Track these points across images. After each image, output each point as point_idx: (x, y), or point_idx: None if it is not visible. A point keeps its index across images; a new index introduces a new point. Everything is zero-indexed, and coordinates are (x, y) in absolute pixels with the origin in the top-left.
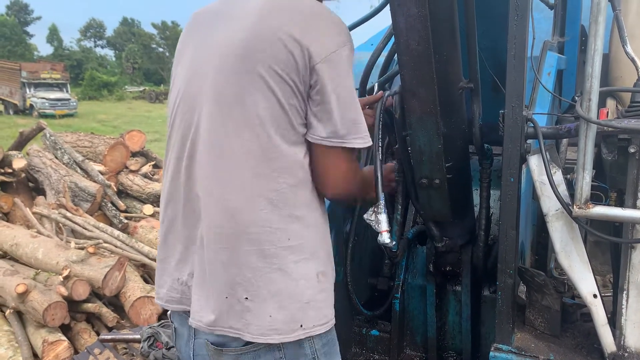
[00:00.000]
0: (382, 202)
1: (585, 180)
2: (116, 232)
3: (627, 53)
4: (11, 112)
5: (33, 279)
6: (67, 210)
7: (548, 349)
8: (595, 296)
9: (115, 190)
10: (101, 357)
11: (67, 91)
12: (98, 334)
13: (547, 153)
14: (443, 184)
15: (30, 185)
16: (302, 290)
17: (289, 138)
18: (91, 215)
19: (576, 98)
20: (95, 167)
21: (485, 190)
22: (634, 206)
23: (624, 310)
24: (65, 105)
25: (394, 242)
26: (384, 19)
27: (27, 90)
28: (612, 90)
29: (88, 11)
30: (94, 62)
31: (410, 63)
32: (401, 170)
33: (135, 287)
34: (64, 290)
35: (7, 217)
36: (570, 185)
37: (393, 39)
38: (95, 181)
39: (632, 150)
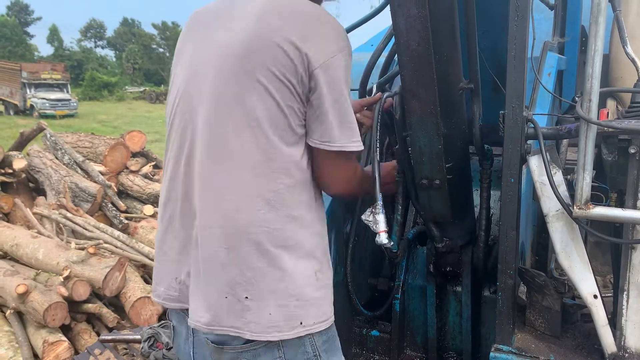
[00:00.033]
0: (379, 202)
1: (585, 181)
2: (116, 233)
3: (627, 54)
4: (11, 112)
5: (33, 279)
6: (67, 210)
7: (548, 350)
8: (595, 297)
9: (116, 190)
10: (101, 358)
11: (67, 92)
12: (98, 334)
13: (547, 154)
14: (443, 184)
15: (31, 186)
16: (301, 288)
17: (287, 139)
18: (91, 215)
19: (576, 99)
20: (96, 168)
21: (485, 190)
22: (634, 207)
23: (624, 311)
24: (65, 106)
25: (391, 243)
26: (384, 20)
27: (28, 90)
28: (612, 91)
29: (88, 11)
30: (95, 63)
31: (411, 64)
32: (401, 171)
33: (135, 288)
34: (64, 291)
35: (8, 217)
36: (571, 186)
37: (393, 39)
38: (95, 182)
39: (632, 151)
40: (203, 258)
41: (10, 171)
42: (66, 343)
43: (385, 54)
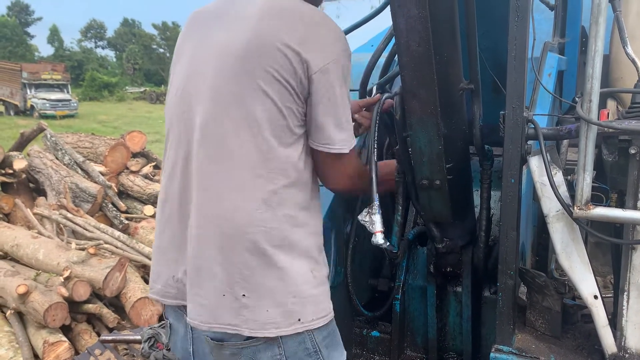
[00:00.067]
0: (376, 202)
1: (585, 182)
2: (117, 233)
3: (627, 54)
4: (12, 113)
5: (34, 279)
6: (67, 211)
7: (549, 350)
8: (596, 297)
9: (116, 191)
10: (102, 358)
11: (67, 92)
12: (99, 334)
13: (547, 154)
14: (443, 185)
15: (31, 186)
16: (298, 286)
17: (285, 140)
18: (92, 216)
19: (577, 99)
20: (96, 168)
21: (485, 191)
22: (635, 207)
23: (624, 312)
24: (65, 106)
25: (387, 243)
26: (385, 20)
27: (28, 91)
28: (612, 92)
29: (89, 12)
30: (95, 63)
31: (411, 64)
32: (402, 171)
33: (136, 288)
34: (64, 291)
35: (8, 218)
36: (571, 187)
37: (393, 40)
38: (96, 182)
39: (632, 152)
40: (200, 256)
41: (11, 171)
42: (66, 343)
43: (385, 54)
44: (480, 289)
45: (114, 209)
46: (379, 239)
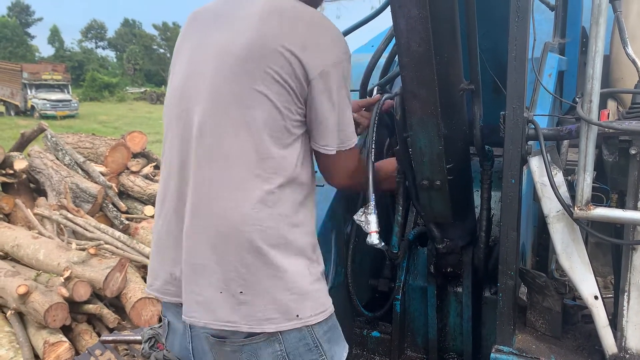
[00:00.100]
0: (372, 202)
1: (586, 182)
2: (117, 233)
3: (628, 54)
4: (12, 113)
5: (34, 280)
6: (68, 211)
7: (549, 351)
8: (596, 298)
9: (117, 191)
10: (102, 358)
11: (68, 92)
12: (99, 335)
13: (548, 154)
14: (444, 185)
15: (32, 187)
16: (295, 282)
17: (283, 141)
18: (92, 216)
19: (577, 99)
20: (97, 168)
21: (486, 191)
22: (635, 207)
23: (625, 312)
24: (66, 107)
25: (382, 243)
26: (385, 21)
27: (29, 91)
28: (613, 92)
29: (89, 12)
30: (95, 63)
31: (411, 64)
32: (402, 172)
33: (136, 288)
34: (65, 292)
35: (9, 218)
36: (571, 187)
37: (394, 40)
38: (96, 182)
39: (633, 152)
40: (196, 255)
41: (11, 172)
42: (67, 344)
43: (385, 54)
44: (481, 289)
45: (115, 209)
46: (373, 239)
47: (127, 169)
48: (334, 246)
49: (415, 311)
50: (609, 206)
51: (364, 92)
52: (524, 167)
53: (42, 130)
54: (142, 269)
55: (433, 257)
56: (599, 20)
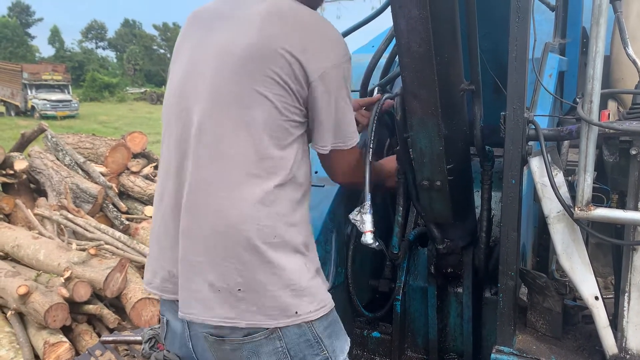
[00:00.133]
0: (368, 202)
1: (586, 182)
2: (117, 234)
3: (628, 55)
4: (13, 113)
5: (34, 280)
6: (68, 211)
7: (549, 351)
8: (596, 298)
9: (117, 191)
10: (102, 359)
11: (68, 92)
12: (99, 335)
13: (548, 155)
14: (444, 185)
15: (32, 187)
16: (293, 279)
17: (281, 141)
18: (92, 216)
19: (577, 100)
20: (97, 169)
21: (486, 192)
22: (636, 208)
23: (625, 313)
24: (66, 107)
25: (377, 243)
26: (385, 21)
27: (29, 91)
28: (613, 92)
29: (89, 13)
30: (96, 64)
31: (412, 65)
32: (402, 172)
33: (136, 289)
34: (65, 292)
35: (9, 218)
36: (572, 187)
37: (394, 40)
38: (96, 182)
39: (633, 152)
40: (194, 253)
41: (12, 172)
42: (67, 344)
43: (386, 55)
44: (481, 289)
45: (115, 209)
46: (368, 238)
47: (128, 169)
48: (335, 247)
49: (415, 312)
50: (610, 207)
51: (365, 92)
52: (525, 168)
53: (42, 130)
54: (143, 269)
55: (433, 257)
56: (600, 21)
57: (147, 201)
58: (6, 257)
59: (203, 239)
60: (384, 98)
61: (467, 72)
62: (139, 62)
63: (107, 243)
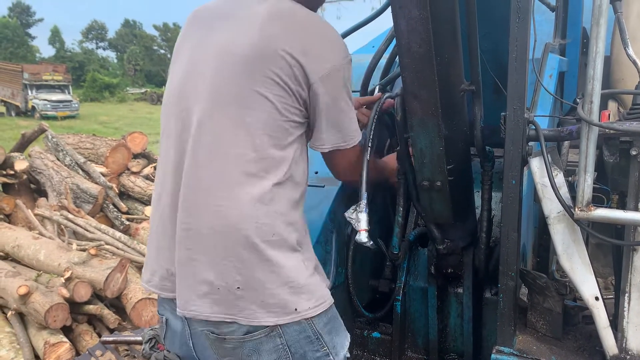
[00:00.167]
0: (364, 201)
1: (586, 183)
2: (118, 234)
3: (628, 55)
4: (13, 113)
5: (35, 280)
6: (68, 211)
7: (550, 352)
8: (597, 298)
9: (117, 192)
10: (103, 359)
11: (68, 93)
12: (99, 335)
13: (548, 155)
14: (444, 186)
15: (32, 187)
16: (291, 276)
17: (281, 141)
18: (93, 217)
19: (578, 100)
20: (97, 169)
21: (486, 192)
22: (636, 208)
23: (625, 313)
24: (67, 107)
25: (371, 242)
26: (386, 21)
27: (29, 92)
28: (613, 93)
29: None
30: (96, 64)
31: (412, 65)
32: (402, 172)
33: (136, 289)
34: (65, 292)
35: (9, 218)
36: (572, 188)
37: (394, 41)
38: (97, 183)
39: (633, 153)
40: (193, 251)
41: (12, 172)
42: (67, 344)
43: (386, 55)
44: (481, 290)
45: (115, 209)
46: (362, 237)
47: (128, 169)
48: (335, 247)
49: (415, 312)
50: (610, 207)
51: (365, 93)
52: (525, 168)
53: (42, 130)
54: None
55: (434, 258)
56: (600, 21)
57: (148, 201)
58: (6, 257)
59: (202, 237)
60: (384, 97)
61: (468, 72)
62: (140, 62)
63: (107, 243)
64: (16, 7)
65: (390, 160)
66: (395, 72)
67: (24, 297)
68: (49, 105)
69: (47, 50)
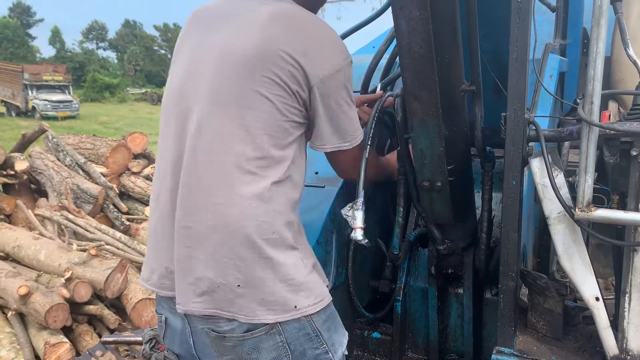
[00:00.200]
0: (361, 199)
1: (587, 183)
2: (118, 234)
3: (629, 56)
4: (13, 114)
5: (35, 280)
6: (69, 212)
7: (550, 352)
8: (597, 299)
9: (117, 192)
10: (103, 359)
11: (69, 93)
12: (100, 335)
13: (549, 156)
14: (445, 186)
15: (33, 187)
16: (290, 274)
17: (281, 141)
18: (93, 217)
19: (578, 101)
20: (97, 169)
21: (487, 192)
22: (636, 209)
23: (626, 313)
24: (67, 107)
25: (366, 240)
26: (386, 22)
27: (30, 92)
28: (614, 93)
29: (90, 13)
30: (96, 64)
31: (412, 66)
32: (403, 173)
33: (137, 289)
34: (65, 292)
35: (10, 219)
36: (572, 188)
37: (395, 41)
38: (97, 183)
39: (634, 153)
40: (192, 250)
41: (12, 173)
42: (67, 344)
43: (386, 56)
44: (482, 290)
45: (115, 210)
46: (358, 234)
47: (128, 169)
48: (335, 247)
49: (416, 312)
50: (610, 207)
51: (365, 93)
52: (525, 169)
53: (43, 131)
54: None
55: (434, 258)
56: (600, 22)
57: (148, 202)
58: (7, 257)
59: (201, 236)
60: (386, 95)
61: (468, 72)
62: (140, 62)
63: (107, 244)
64: (16, 7)
65: (393, 157)
66: (395, 72)
67: (24, 298)
68: (49, 106)
69: (47, 51)
